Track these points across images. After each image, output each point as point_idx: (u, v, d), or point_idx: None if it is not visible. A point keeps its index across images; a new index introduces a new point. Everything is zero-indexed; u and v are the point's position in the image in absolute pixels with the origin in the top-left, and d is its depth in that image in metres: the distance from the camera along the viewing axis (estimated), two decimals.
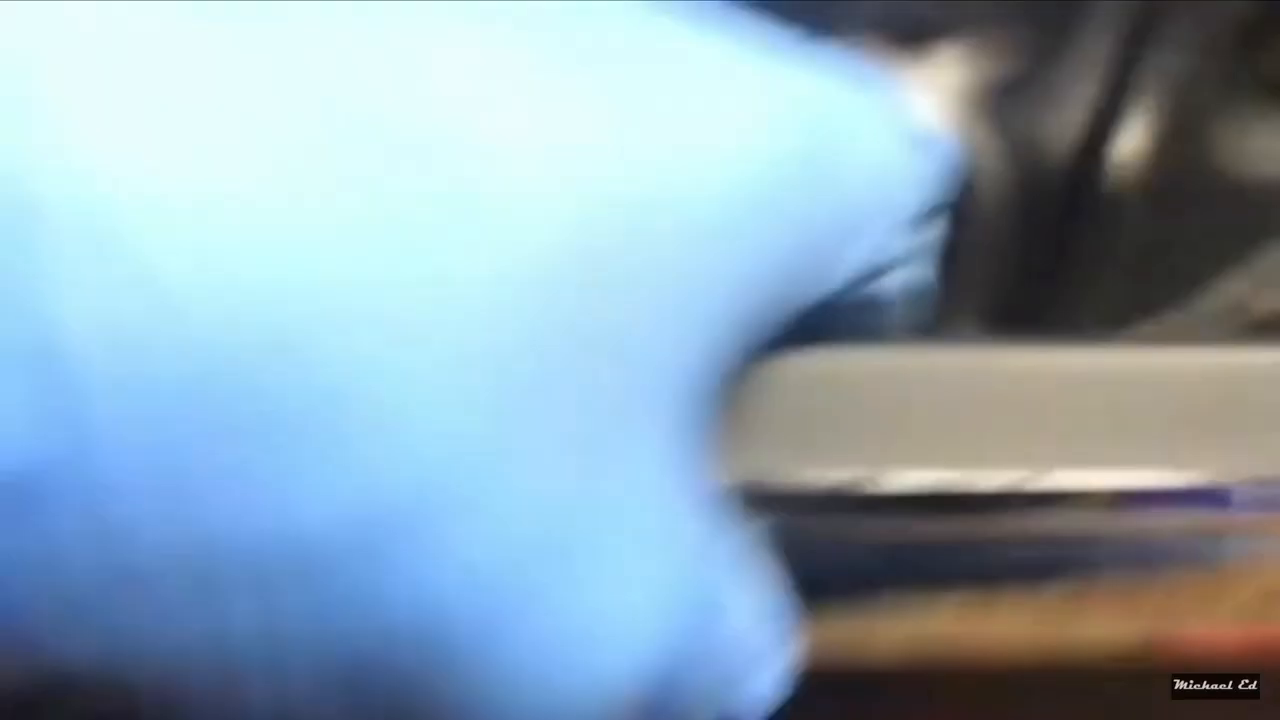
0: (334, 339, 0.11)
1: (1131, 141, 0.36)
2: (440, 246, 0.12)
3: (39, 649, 0.11)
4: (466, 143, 0.13)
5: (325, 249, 0.12)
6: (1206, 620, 0.26)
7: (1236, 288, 0.37)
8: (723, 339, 0.17)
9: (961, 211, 0.34)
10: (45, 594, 0.11)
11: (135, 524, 0.11)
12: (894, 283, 0.21)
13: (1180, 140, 0.36)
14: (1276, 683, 0.41)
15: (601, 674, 0.14)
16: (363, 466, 0.11)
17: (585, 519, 0.13)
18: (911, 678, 0.42)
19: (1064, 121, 0.37)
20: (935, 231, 0.22)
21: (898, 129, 0.20)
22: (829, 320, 0.20)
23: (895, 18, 0.36)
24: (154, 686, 0.12)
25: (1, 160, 0.11)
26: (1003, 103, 0.36)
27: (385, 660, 0.12)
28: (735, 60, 0.18)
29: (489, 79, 0.14)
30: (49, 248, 0.11)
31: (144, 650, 0.12)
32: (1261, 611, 0.26)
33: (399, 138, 0.13)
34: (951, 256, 0.24)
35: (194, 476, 0.11)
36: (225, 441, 0.11)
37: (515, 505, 0.13)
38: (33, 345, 0.10)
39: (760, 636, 0.18)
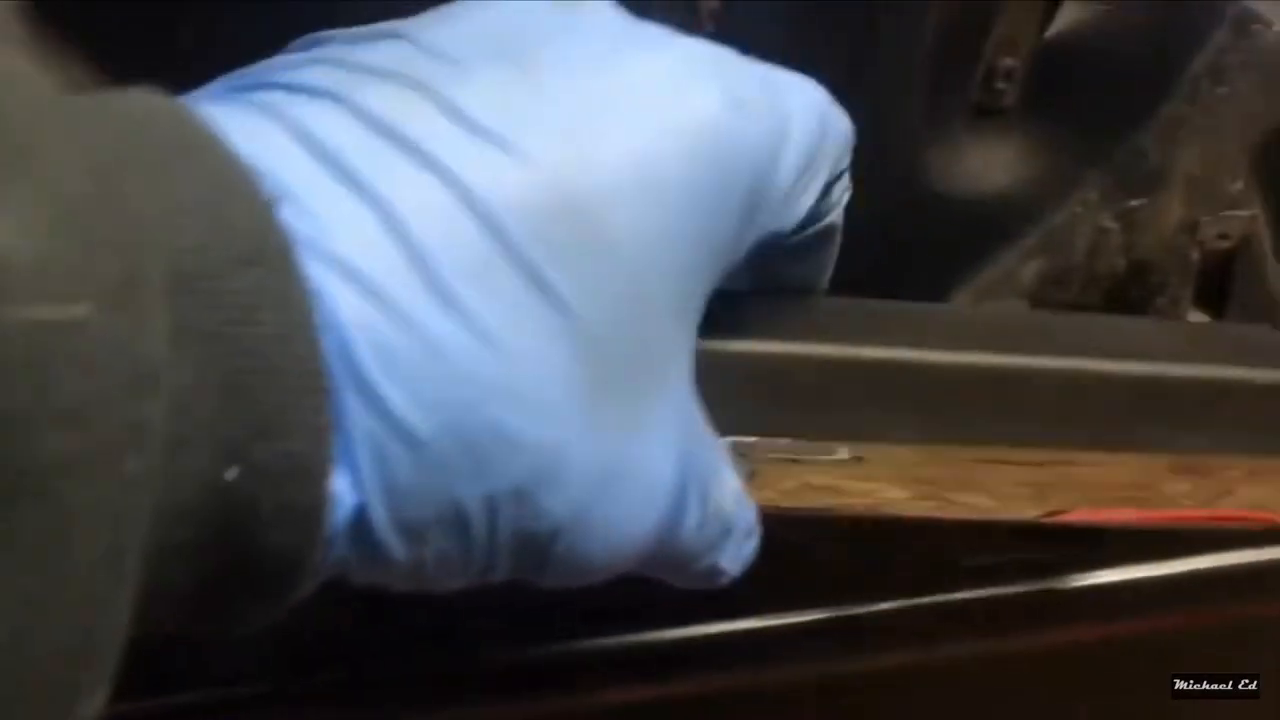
0: (510, 412, 0.21)
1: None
2: (544, 329, 0.21)
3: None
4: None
5: (490, 365, 0.21)
6: None
7: (967, 296, 0.40)
8: (710, 275, 0.25)
9: None
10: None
11: (428, 526, 0.21)
12: (838, 215, 0.29)
13: (896, 164, 0.38)
14: (1277, 683, 0.44)
15: (641, 523, 0.24)
16: (528, 459, 0.21)
17: (632, 450, 0.23)
18: (912, 674, 0.43)
19: None
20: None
21: (822, 94, 0.27)
22: (800, 246, 0.28)
23: None
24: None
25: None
26: None
27: (543, 532, 0.22)
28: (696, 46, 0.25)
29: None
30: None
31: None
32: None
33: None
34: None
35: (453, 501, 0.21)
36: (458, 484, 0.21)
37: (597, 450, 0.22)
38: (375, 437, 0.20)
39: (743, 513, 0.27)
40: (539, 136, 0.21)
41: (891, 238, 0.39)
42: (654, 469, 0.24)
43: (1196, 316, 0.41)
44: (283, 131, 0.20)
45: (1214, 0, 0.36)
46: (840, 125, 0.28)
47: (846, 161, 0.28)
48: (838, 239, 0.30)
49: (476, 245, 0.20)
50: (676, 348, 0.24)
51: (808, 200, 0.27)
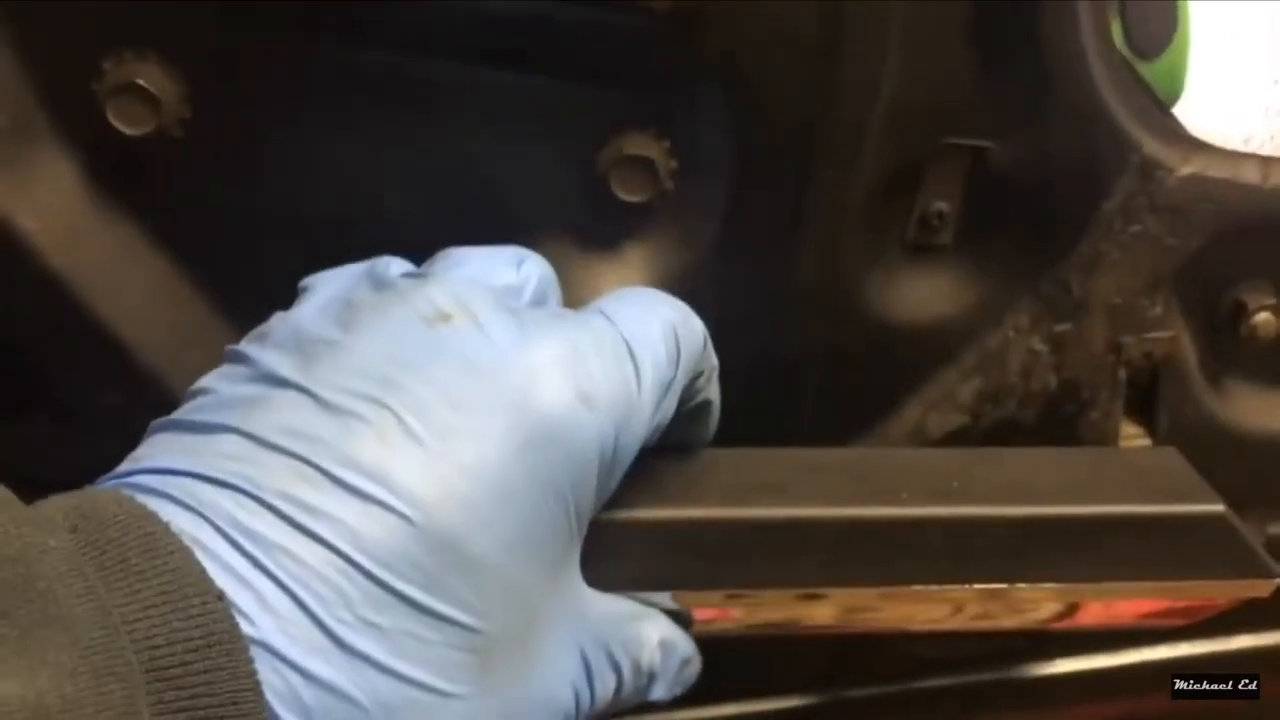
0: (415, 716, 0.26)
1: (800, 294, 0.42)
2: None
3: None
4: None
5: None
6: None
7: (911, 414, 0.44)
8: (583, 522, 0.30)
9: None
10: None
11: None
12: (711, 393, 0.34)
13: (842, 298, 0.42)
14: (1277, 683, 0.46)
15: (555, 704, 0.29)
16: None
17: (528, 690, 0.28)
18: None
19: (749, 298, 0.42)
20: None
21: (671, 313, 0.32)
22: (685, 420, 0.34)
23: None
24: None
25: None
26: (694, 288, 0.41)
27: None
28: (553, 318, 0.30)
29: None
30: None
31: None
32: None
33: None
34: None
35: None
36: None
37: (495, 707, 0.27)
38: None
39: (673, 655, 0.32)
40: (408, 486, 0.26)
41: (841, 361, 0.43)
42: (552, 688, 0.29)
43: (1129, 427, 0.45)
44: (214, 531, 0.26)
45: (1120, 149, 0.40)
46: (693, 332, 0.32)
47: (708, 357, 0.33)
48: (714, 409, 0.35)
49: (366, 596, 0.26)
50: (558, 584, 0.29)
51: (669, 411, 0.31)
